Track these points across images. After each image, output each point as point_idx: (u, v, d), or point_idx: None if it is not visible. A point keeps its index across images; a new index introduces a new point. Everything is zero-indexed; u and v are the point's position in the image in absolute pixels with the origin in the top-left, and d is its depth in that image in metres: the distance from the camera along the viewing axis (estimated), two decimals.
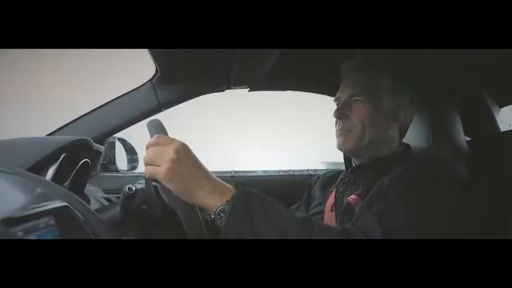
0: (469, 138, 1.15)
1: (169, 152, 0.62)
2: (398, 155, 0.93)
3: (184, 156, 0.63)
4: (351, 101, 0.93)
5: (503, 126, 1.20)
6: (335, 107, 0.96)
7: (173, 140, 0.65)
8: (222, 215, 0.62)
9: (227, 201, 0.63)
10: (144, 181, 0.82)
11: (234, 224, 0.61)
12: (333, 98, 0.98)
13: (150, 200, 0.80)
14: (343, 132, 0.92)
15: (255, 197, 0.65)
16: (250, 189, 0.67)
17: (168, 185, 0.63)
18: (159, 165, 0.62)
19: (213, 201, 0.63)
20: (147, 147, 0.65)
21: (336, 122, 0.95)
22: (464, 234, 0.72)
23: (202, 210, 0.66)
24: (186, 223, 0.64)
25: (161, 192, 0.67)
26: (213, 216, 0.63)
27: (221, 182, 0.67)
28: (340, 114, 0.92)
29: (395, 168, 0.85)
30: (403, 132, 0.97)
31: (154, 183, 0.70)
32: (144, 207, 0.80)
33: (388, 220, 0.69)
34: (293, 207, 1.13)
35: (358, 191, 0.89)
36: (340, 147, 0.95)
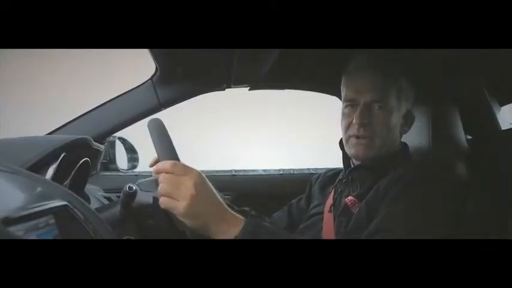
0: (470, 137, 1.15)
1: (188, 186, 0.61)
2: (397, 155, 0.92)
3: (202, 190, 0.63)
4: (372, 106, 0.87)
5: (504, 125, 1.20)
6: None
7: (190, 169, 0.63)
8: None
9: (235, 236, 0.64)
10: (145, 185, 0.82)
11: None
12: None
13: (156, 216, 0.80)
14: (363, 141, 0.87)
15: (263, 229, 0.66)
16: (258, 220, 0.68)
17: (185, 221, 0.63)
18: (177, 200, 0.62)
19: (224, 237, 0.64)
20: (159, 171, 0.64)
21: (348, 125, 0.89)
22: (464, 234, 0.72)
23: None
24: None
25: (173, 218, 0.67)
26: None
27: (232, 213, 0.67)
28: (365, 120, 0.86)
29: (393, 169, 0.84)
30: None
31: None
32: (150, 221, 0.80)
33: (390, 236, 0.70)
34: (294, 201, 1.14)
35: (356, 193, 0.89)
36: (357, 157, 0.90)
